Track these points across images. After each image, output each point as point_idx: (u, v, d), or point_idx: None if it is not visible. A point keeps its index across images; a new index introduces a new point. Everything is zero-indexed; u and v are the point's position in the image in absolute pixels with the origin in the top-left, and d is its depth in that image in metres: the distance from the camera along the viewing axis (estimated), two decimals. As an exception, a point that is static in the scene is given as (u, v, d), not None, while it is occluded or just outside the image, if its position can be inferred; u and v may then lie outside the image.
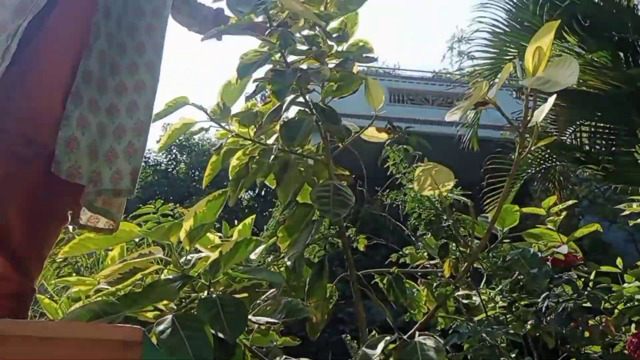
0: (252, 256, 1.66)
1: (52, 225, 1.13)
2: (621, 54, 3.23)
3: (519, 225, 1.58)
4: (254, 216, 1.86)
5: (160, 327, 0.95)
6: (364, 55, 1.65)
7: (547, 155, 4.32)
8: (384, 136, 1.72)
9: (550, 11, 3.39)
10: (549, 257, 1.54)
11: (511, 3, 4.03)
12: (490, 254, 1.42)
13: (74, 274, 2.13)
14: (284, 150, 1.61)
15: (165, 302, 1.21)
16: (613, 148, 3.54)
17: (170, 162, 14.58)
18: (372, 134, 1.73)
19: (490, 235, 1.50)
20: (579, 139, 3.96)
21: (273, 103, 1.64)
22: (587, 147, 3.76)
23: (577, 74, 1.01)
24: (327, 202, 1.44)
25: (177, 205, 3.51)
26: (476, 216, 1.47)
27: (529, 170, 4.54)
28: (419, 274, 1.65)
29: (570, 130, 4.08)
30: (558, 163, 4.18)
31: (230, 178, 1.63)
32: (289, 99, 1.54)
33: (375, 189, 1.82)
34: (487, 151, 4.54)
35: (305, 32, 1.55)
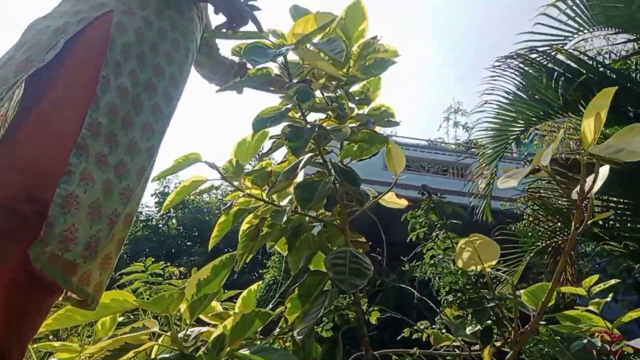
0: None
1: (39, 311, 0.95)
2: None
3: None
4: (260, 283, 1.71)
5: None
6: (387, 119, 1.55)
7: (557, 231, 4.21)
8: (403, 202, 1.61)
9: (565, 85, 3.37)
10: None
11: (521, 76, 4.03)
12: (532, 342, 1.24)
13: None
14: (297, 212, 1.48)
15: (161, 388, 1.03)
16: (630, 224, 3.41)
17: (161, 218, 14.36)
18: (392, 200, 1.62)
19: (522, 315, 1.35)
20: (592, 214, 3.83)
21: (289, 162, 1.54)
22: (601, 222, 3.64)
23: (656, 144, 0.87)
24: (343, 270, 1.30)
25: (168, 264, 3.35)
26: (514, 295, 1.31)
27: (539, 244, 4.41)
28: (446, 358, 1.46)
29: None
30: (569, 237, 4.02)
31: (239, 241, 1.48)
32: (306, 157, 1.44)
33: (394, 257, 1.68)
34: (492, 223, 4.45)
35: (327, 94, 1.47)
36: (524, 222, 5.15)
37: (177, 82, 1.16)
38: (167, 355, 1.10)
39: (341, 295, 1.62)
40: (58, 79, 0.96)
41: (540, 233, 4.34)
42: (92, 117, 0.94)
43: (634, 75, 3.29)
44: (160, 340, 1.23)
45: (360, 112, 1.54)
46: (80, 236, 0.88)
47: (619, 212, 3.57)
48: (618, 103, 3.35)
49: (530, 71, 3.89)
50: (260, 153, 1.62)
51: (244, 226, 1.52)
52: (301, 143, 1.29)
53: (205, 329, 1.30)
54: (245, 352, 1.11)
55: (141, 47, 1.06)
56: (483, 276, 1.31)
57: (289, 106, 1.39)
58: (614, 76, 3.41)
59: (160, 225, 14.15)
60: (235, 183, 1.47)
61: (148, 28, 1.08)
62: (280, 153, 2.06)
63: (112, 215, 0.94)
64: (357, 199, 1.34)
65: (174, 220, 14.55)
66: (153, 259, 2.63)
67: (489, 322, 1.19)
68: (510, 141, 4.40)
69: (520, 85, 4.07)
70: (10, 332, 0.86)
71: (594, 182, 1.06)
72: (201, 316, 1.49)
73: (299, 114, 1.42)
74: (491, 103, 4.39)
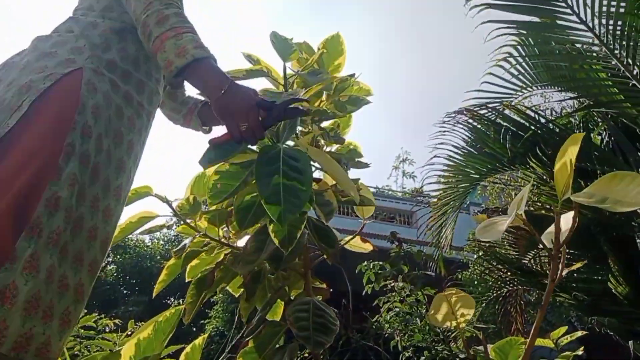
0: None
1: None
2: (582, 183, 3.30)
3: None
4: (204, 336, 1.55)
5: None
6: (356, 159, 1.49)
7: (508, 280, 4.24)
8: (368, 247, 1.54)
9: (513, 140, 3.49)
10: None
11: (470, 131, 4.16)
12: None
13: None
14: (256, 258, 1.36)
15: None
16: (583, 275, 3.48)
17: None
18: (357, 245, 1.54)
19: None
20: (539, 265, 3.93)
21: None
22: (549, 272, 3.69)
23: (640, 194, 0.84)
24: (307, 325, 1.19)
25: (102, 315, 3.09)
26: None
27: (489, 294, 4.43)
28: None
29: (529, 256, 4.06)
30: (519, 287, 4.09)
31: (189, 288, 1.34)
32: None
33: (355, 309, 1.58)
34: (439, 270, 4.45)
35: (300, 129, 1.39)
36: (469, 270, 5.19)
37: (134, 149, 1.03)
38: None
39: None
40: (18, 144, 0.82)
41: (490, 283, 4.37)
42: (52, 190, 0.81)
43: (576, 130, 3.46)
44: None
45: (329, 149, 1.47)
46: (8, 335, 0.72)
47: (566, 264, 3.64)
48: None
49: (479, 126, 4.02)
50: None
51: (194, 263, 1.38)
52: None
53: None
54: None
55: (108, 111, 0.95)
56: (451, 332, 1.23)
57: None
58: (558, 130, 3.57)
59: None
60: (189, 221, 1.35)
61: (115, 92, 0.98)
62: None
63: (64, 313, 0.79)
64: (334, 259, 1.25)
65: (112, 266, 13.71)
66: (85, 310, 2.39)
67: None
68: (460, 194, 4.49)
69: (470, 140, 4.19)
70: None
71: (570, 230, 1.03)
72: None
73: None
74: (439, 157, 4.49)
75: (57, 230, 0.77)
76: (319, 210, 1.36)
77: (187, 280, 1.46)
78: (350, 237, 1.49)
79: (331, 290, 1.47)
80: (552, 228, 1.14)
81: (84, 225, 0.82)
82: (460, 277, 4.73)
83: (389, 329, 1.34)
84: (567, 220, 1.12)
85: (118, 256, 13.75)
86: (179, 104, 1.35)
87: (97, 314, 2.62)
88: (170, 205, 1.28)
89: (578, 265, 1.01)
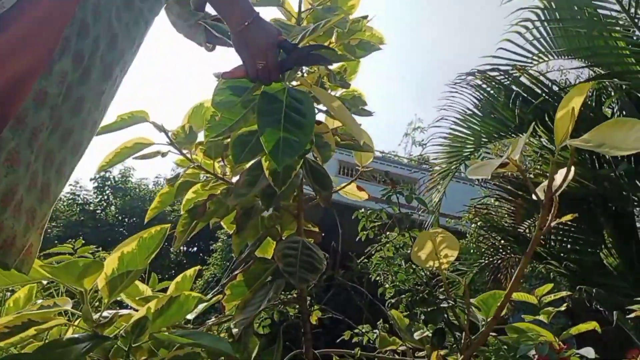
0: (189, 316, 1.36)
1: None
2: (587, 155, 3.26)
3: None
4: (197, 267, 1.56)
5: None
6: (360, 107, 1.46)
7: (500, 248, 4.27)
8: (364, 195, 1.53)
9: (523, 106, 3.43)
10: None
11: (479, 95, 4.08)
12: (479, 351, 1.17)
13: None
14: (249, 193, 1.35)
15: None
16: (570, 246, 3.49)
17: (100, 203, 13.57)
18: (353, 192, 1.53)
19: (471, 324, 1.30)
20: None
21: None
22: (544, 242, 3.71)
23: (641, 139, 0.81)
24: (294, 262, 1.20)
25: (100, 249, 3.12)
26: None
27: (481, 260, 4.46)
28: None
29: (526, 224, 4.06)
30: (512, 256, 4.12)
31: (181, 217, 1.34)
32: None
33: (345, 256, 1.59)
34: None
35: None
36: (467, 239, 5.23)
37: (124, 57, 0.96)
38: (78, 335, 0.95)
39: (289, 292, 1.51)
40: (11, 28, 0.77)
41: (483, 250, 4.39)
42: (42, 85, 0.76)
43: (588, 101, 3.39)
44: (76, 322, 1.07)
45: (332, 92, 1.43)
46: None
47: (562, 233, 3.65)
48: (573, 128, 3.42)
49: (489, 89, 3.95)
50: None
51: (189, 195, 1.38)
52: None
53: (126, 311, 1.15)
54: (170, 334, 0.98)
55: (108, 12, 0.88)
56: (435, 277, 1.23)
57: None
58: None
59: (98, 211, 13.35)
60: (185, 152, 1.33)
61: None
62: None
63: (29, 210, 0.77)
64: (326, 202, 1.24)
65: (112, 208, 13.79)
66: (84, 243, 2.43)
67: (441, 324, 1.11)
68: (463, 158, 4.45)
69: (478, 104, 4.12)
70: None
71: (564, 179, 1.01)
72: (128, 300, 1.34)
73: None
74: (447, 119, 4.43)
75: (40, 126, 0.76)
76: (317, 152, 1.34)
77: (181, 212, 1.46)
78: (346, 183, 1.47)
79: (323, 234, 1.47)
80: (556, 179, 1.12)
81: (62, 124, 0.80)
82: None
83: (374, 272, 1.36)
84: (562, 175, 1.10)
85: (118, 199, 13.83)
86: (187, 12, 1.29)
87: (95, 247, 2.65)
88: (166, 133, 1.25)
89: (568, 217, 1.00)
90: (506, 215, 4.30)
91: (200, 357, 1.05)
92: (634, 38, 2.84)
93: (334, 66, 1.51)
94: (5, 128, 0.72)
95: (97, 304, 1.39)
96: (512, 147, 0.99)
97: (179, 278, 1.47)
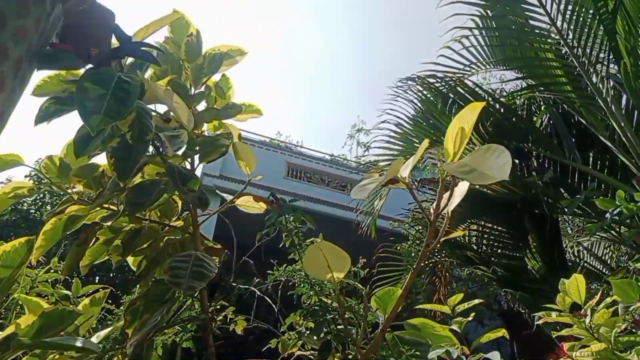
0: (95, 339, 1.30)
1: None
2: (517, 162, 3.36)
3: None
4: (108, 290, 1.48)
5: None
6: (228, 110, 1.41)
7: (436, 251, 4.34)
8: (262, 206, 1.49)
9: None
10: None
11: (419, 100, 4.14)
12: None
13: None
14: (138, 216, 1.31)
15: None
16: (500, 251, 3.60)
17: (34, 202, 12.78)
18: (249, 204, 1.48)
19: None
20: (467, 238, 4.03)
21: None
22: (476, 247, 3.81)
23: (509, 166, 0.81)
24: (183, 274, 1.15)
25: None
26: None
27: (421, 264, 4.49)
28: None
29: (460, 228, 4.15)
30: (446, 259, 4.20)
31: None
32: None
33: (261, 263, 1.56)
34: (377, 240, 4.52)
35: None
36: (409, 242, 5.30)
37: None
38: None
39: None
40: None
41: (420, 253, 4.40)
42: None
43: (519, 110, 3.49)
44: None
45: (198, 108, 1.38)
46: None
47: (492, 238, 3.76)
48: (505, 134, 3.54)
49: (429, 95, 4.00)
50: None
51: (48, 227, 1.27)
52: (129, 164, 1.07)
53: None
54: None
55: None
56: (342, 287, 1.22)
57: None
58: (502, 110, 3.60)
59: (32, 211, 12.60)
60: (66, 186, 1.23)
61: None
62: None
63: None
64: (194, 203, 1.19)
65: (48, 207, 13.08)
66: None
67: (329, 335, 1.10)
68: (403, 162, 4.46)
69: (418, 109, 4.18)
70: None
71: (449, 199, 1.01)
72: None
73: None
74: (389, 122, 4.47)
75: None
76: (168, 143, 1.27)
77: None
78: (235, 196, 1.41)
79: (226, 251, 1.43)
80: (455, 195, 1.12)
81: None
82: (398, 247, 4.81)
83: (274, 279, 1.35)
84: (462, 190, 1.10)
85: (55, 197, 13.14)
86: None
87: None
88: (46, 177, 1.16)
89: (458, 233, 1.00)
90: (441, 219, 4.34)
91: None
92: (563, 52, 2.94)
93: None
94: None
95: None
96: (394, 165, 0.98)
97: (86, 300, 1.40)
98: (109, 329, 1.36)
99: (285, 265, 1.68)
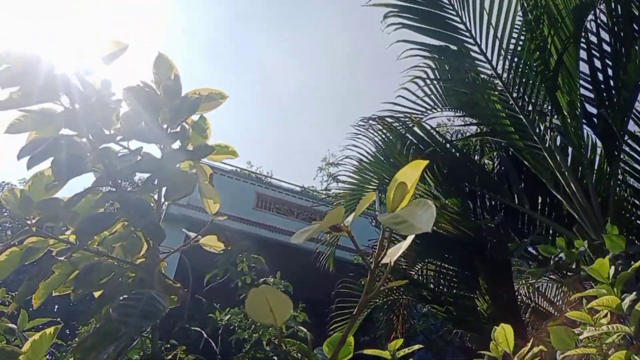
0: None
1: None
2: (470, 204, 3.50)
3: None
4: (59, 327, 1.46)
5: None
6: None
7: (394, 289, 4.41)
8: (220, 245, 1.52)
9: (415, 153, 3.64)
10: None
11: (380, 139, 4.29)
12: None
13: None
14: (91, 251, 1.33)
15: None
16: (455, 290, 3.69)
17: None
18: (213, 243, 1.51)
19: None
20: (424, 277, 4.12)
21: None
22: (432, 286, 3.90)
23: (432, 221, 0.89)
24: (133, 312, 1.16)
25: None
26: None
27: (376, 300, 4.58)
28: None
29: (417, 267, 4.25)
30: (404, 297, 4.27)
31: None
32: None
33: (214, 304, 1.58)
34: (342, 271, 4.56)
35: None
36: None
37: None
38: None
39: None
40: None
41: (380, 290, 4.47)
42: None
43: (472, 155, 3.66)
44: None
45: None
46: None
47: (447, 277, 3.87)
48: (459, 178, 3.70)
49: (389, 135, 4.16)
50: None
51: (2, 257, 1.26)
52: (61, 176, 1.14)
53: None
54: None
55: None
56: (285, 330, 1.25)
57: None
58: (457, 154, 3.77)
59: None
60: (27, 219, 1.25)
61: None
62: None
63: None
64: (147, 233, 1.22)
65: (9, 232, 12.58)
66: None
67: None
68: (362, 197, 4.58)
69: (379, 147, 4.33)
70: None
71: (386, 250, 1.07)
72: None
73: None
74: (352, 158, 4.60)
75: None
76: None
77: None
78: (196, 236, 1.45)
79: (186, 289, 1.45)
80: (402, 244, 1.18)
81: None
82: (362, 282, 4.85)
83: (222, 322, 1.37)
84: (407, 242, 1.16)
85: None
86: None
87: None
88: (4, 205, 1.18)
89: (396, 283, 1.06)
90: (401, 258, 4.49)
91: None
92: (509, 103, 3.13)
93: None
94: None
95: None
96: (334, 213, 1.04)
97: (37, 336, 1.38)
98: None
99: (228, 308, 1.70)
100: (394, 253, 1.18)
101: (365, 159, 4.47)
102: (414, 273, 4.24)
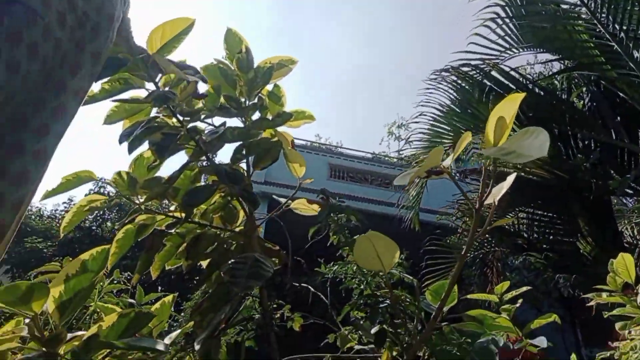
0: (167, 340, 1.40)
1: None
2: (561, 146, 3.31)
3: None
4: (175, 295, 1.58)
5: None
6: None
7: (485, 241, 4.30)
8: (315, 208, 1.55)
9: (495, 100, 3.47)
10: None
11: (455, 89, 4.13)
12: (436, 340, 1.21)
13: None
14: (198, 223, 1.41)
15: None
16: (552, 237, 3.54)
17: (95, 219, 13.40)
18: (303, 206, 1.55)
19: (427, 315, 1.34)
20: (516, 226, 3.97)
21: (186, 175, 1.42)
22: (526, 235, 3.76)
23: (547, 145, 0.85)
24: (241, 274, 1.24)
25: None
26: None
27: (468, 255, 4.49)
28: None
29: (509, 216, 4.10)
30: (497, 249, 4.15)
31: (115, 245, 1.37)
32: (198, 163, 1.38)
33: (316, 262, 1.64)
34: (423, 234, 4.53)
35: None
36: (458, 235, 5.27)
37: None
38: (30, 355, 0.98)
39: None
40: None
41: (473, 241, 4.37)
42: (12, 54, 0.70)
43: (559, 93, 3.43)
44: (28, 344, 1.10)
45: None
46: None
47: (542, 224, 3.70)
48: (546, 119, 3.48)
49: (464, 85, 3.99)
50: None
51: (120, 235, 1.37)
52: (162, 147, 1.23)
53: (80, 333, 1.18)
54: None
55: None
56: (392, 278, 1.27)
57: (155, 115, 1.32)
58: (542, 93, 3.54)
59: (93, 228, 13.24)
60: (134, 198, 1.35)
61: None
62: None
63: None
64: (243, 197, 1.27)
65: (108, 223, 13.64)
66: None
67: (384, 324, 1.15)
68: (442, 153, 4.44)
69: (454, 99, 4.17)
70: None
71: (490, 188, 1.04)
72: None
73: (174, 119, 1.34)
74: (425, 115, 4.47)
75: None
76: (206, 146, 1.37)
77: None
78: (287, 200, 1.48)
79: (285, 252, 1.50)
80: (503, 184, 1.15)
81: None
82: (448, 241, 4.80)
83: (329, 274, 1.42)
84: (509, 180, 1.13)
85: (113, 213, 13.68)
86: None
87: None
88: (115, 189, 1.29)
89: (503, 221, 1.04)
90: (487, 208, 4.31)
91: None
92: (597, 31, 2.89)
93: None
94: None
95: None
96: (433, 154, 1.02)
97: (158, 304, 1.50)
98: (179, 331, 1.46)
99: (332, 262, 1.74)
100: (497, 193, 1.15)
101: (439, 113, 4.33)
102: (505, 225, 4.10)
